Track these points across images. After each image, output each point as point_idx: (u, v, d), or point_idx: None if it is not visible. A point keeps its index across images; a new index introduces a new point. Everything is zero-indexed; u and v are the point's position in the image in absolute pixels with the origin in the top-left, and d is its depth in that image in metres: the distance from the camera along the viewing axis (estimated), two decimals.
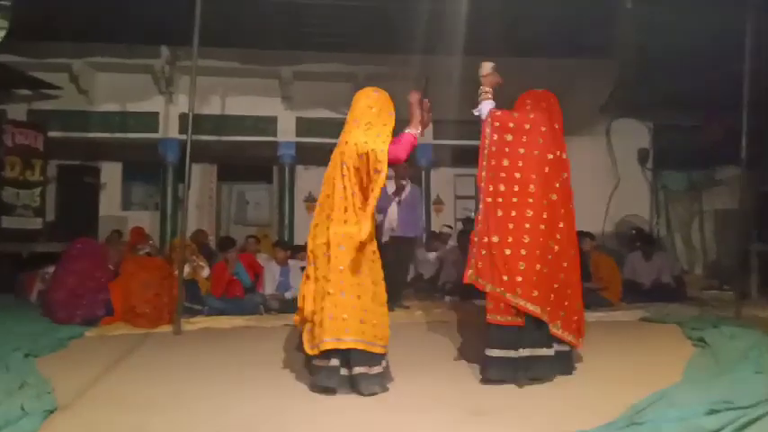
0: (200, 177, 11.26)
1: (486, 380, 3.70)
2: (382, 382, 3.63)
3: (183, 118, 9.48)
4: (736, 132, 6.73)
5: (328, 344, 3.52)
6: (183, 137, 6.27)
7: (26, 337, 5.03)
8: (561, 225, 3.83)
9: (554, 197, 3.83)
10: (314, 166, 11.17)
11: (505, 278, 3.67)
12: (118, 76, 9.68)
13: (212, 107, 9.82)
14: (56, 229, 8.80)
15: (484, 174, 3.91)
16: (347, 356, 3.55)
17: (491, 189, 3.86)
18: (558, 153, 3.94)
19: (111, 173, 10.97)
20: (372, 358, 3.58)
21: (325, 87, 9.95)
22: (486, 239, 3.79)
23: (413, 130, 3.83)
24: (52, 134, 8.94)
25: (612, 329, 5.57)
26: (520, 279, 3.66)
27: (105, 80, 9.71)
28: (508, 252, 3.71)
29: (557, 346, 3.78)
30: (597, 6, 8.40)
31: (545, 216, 3.76)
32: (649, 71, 9.11)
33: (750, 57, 6.44)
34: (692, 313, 6.24)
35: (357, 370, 3.53)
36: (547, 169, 3.84)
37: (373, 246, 3.79)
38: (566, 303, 3.81)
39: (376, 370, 3.60)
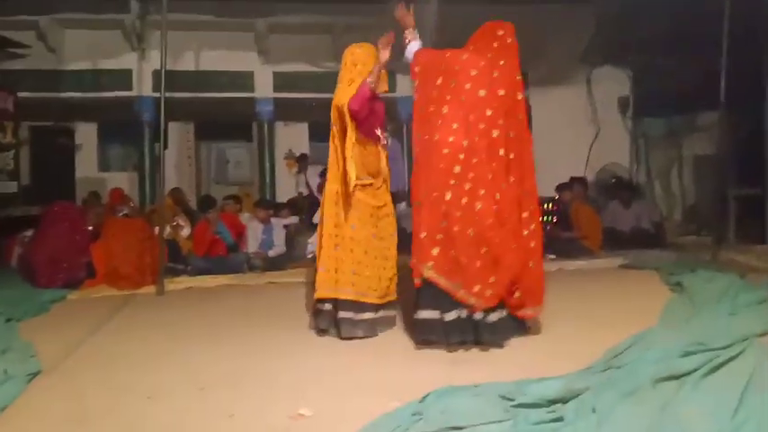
0: (178, 136, 11.06)
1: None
2: (371, 328, 3.80)
3: (156, 75, 9.24)
4: (716, 77, 6.73)
5: (319, 293, 3.85)
6: (158, 95, 6.14)
7: (7, 302, 5.00)
8: (471, 175, 3.42)
9: (465, 143, 3.44)
10: (293, 122, 11.03)
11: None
12: (87, 32, 9.35)
13: (186, 63, 9.57)
14: (32, 192, 8.65)
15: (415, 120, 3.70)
16: (337, 303, 3.80)
17: (415, 139, 3.65)
18: (502, 92, 3.54)
19: (86, 134, 10.76)
20: (361, 306, 3.77)
21: (302, 40, 9.72)
22: None
23: (367, 78, 3.77)
24: (23, 95, 8.65)
25: (591, 277, 5.67)
26: (421, 235, 3.47)
27: (75, 37, 9.37)
28: (417, 204, 3.57)
29: (461, 312, 3.40)
30: None
31: (441, 166, 3.44)
32: (627, 16, 9.01)
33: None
34: (670, 259, 6.34)
35: (342, 314, 3.77)
36: (469, 115, 3.46)
37: (379, 201, 3.95)
38: (477, 264, 3.37)
39: (365, 316, 3.79)
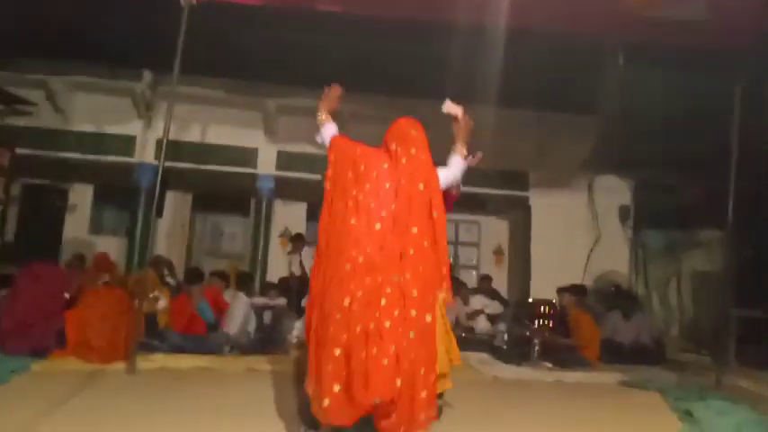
0: (174, 206, 10.92)
1: None
2: None
3: (160, 144, 9.19)
4: (718, 195, 6.69)
5: None
6: (159, 162, 6.03)
7: None
8: (367, 278, 3.21)
9: (364, 238, 3.27)
10: (292, 201, 10.95)
11: None
12: (97, 97, 9.39)
13: (192, 135, 9.59)
14: (14, 250, 8.38)
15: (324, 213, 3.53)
16: None
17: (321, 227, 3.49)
18: (410, 192, 3.38)
19: (81, 195, 10.62)
20: None
21: (308, 122, 9.70)
22: None
23: None
24: (22, 151, 8.58)
25: (592, 394, 5.32)
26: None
27: (84, 100, 9.41)
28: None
29: None
30: (583, 62, 8.47)
31: (340, 262, 3.25)
32: (633, 129, 9.14)
33: (738, 120, 6.45)
34: (672, 380, 6.04)
35: None
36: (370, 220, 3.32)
37: None
38: (337, 376, 3.06)
39: None
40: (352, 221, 3.29)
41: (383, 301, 3.10)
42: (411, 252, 3.22)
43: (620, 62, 8.36)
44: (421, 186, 3.38)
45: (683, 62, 7.77)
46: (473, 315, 8.11)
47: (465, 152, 3.78)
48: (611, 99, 9.04)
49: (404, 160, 3.44)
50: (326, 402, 2.99)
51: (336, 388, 2.99)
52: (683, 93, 8.29)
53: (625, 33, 7.39)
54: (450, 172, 3.70)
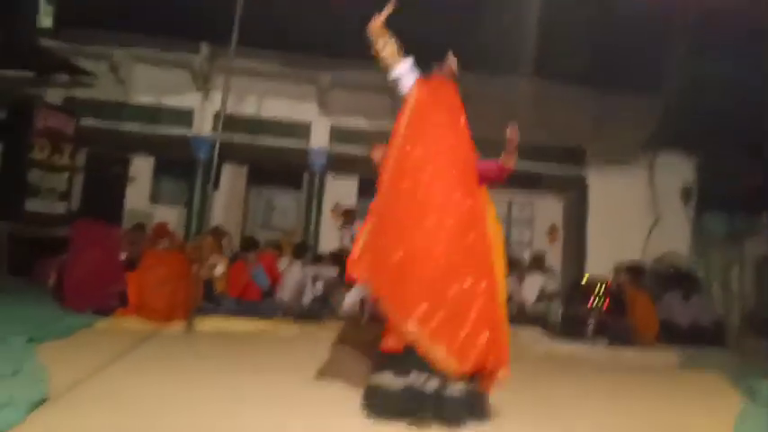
0: (230, 178, 11.13)
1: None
2: None
3: (217, 116, 9.36)
4: None
5: None
6: (216, 135, 6.14)
7: (33, 321, 4.88)
8: (472, 236, 3.29)
9: (468, 203, 3.34)
10: (344, 175, 10.99)
11: None
12: (157, 69, 9.60)
13: (248, 108, 9.70)
14: (80, 215, 8.69)
15: (391, 161, 3.43)
16: None
17: (394, 182, 3.39)
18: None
19: (141, 166, 10.90)
20: None
21: (362, 97, 9.75)
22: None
23: None
24: (86, 122, 8.89)
25: (649, 374, 5.17)
26: (410, 289, 3.19)
27: (144, 72, 9.64)
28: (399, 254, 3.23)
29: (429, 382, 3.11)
30: (646, 38, 8.15)
31: (447, 221, 3.24)
32: (698, 106, 8.75)
33: None
34: (734, 361, 5.81)
35: None
36: (445, 161, 3.37)
37: None
38: (466, 326, 3.13)
39: None
40: (434, 188, 3.31)
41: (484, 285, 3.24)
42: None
43: (687, 36, 8.01)
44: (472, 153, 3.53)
45: (751, 38, 7.38)
46: (528, 291, 7.98)
47: None
48: (677, 73, 8.69)
49: (461, 125, 3.52)
50: (464, 354, 3.11)
51: (477, 343, 3.13)
52: (751, 70, 7.89)
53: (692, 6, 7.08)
54: None
